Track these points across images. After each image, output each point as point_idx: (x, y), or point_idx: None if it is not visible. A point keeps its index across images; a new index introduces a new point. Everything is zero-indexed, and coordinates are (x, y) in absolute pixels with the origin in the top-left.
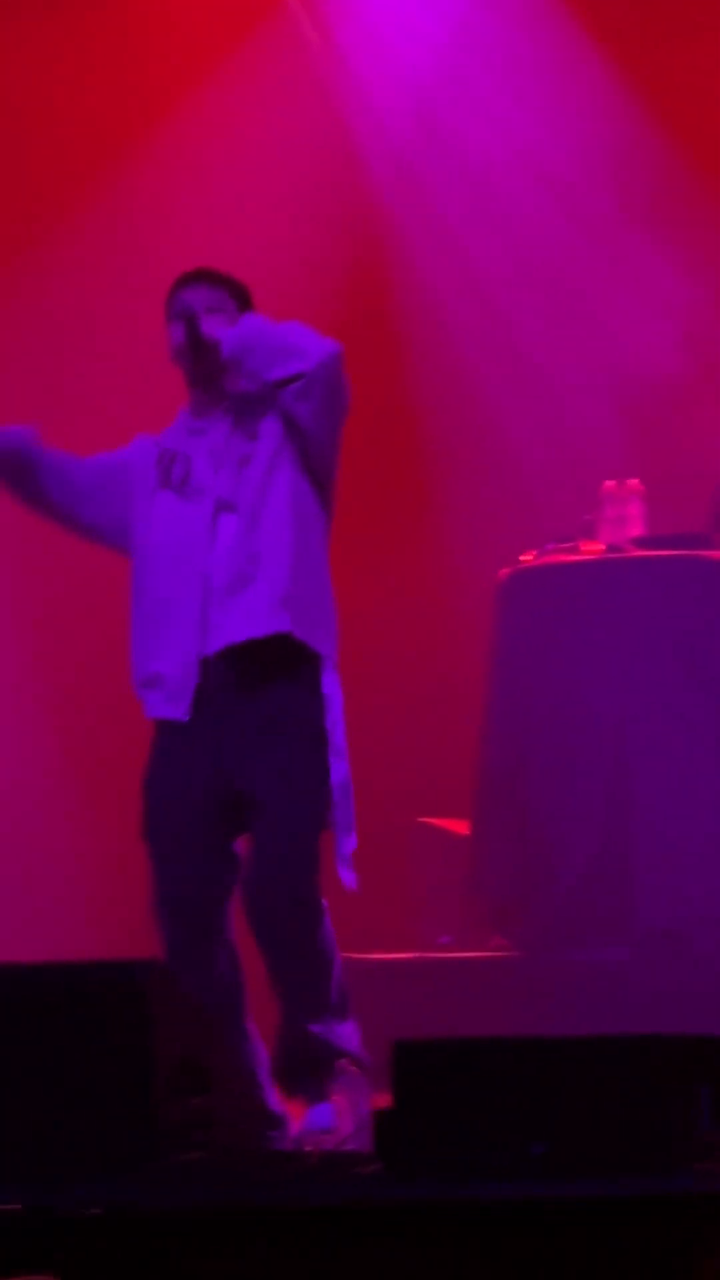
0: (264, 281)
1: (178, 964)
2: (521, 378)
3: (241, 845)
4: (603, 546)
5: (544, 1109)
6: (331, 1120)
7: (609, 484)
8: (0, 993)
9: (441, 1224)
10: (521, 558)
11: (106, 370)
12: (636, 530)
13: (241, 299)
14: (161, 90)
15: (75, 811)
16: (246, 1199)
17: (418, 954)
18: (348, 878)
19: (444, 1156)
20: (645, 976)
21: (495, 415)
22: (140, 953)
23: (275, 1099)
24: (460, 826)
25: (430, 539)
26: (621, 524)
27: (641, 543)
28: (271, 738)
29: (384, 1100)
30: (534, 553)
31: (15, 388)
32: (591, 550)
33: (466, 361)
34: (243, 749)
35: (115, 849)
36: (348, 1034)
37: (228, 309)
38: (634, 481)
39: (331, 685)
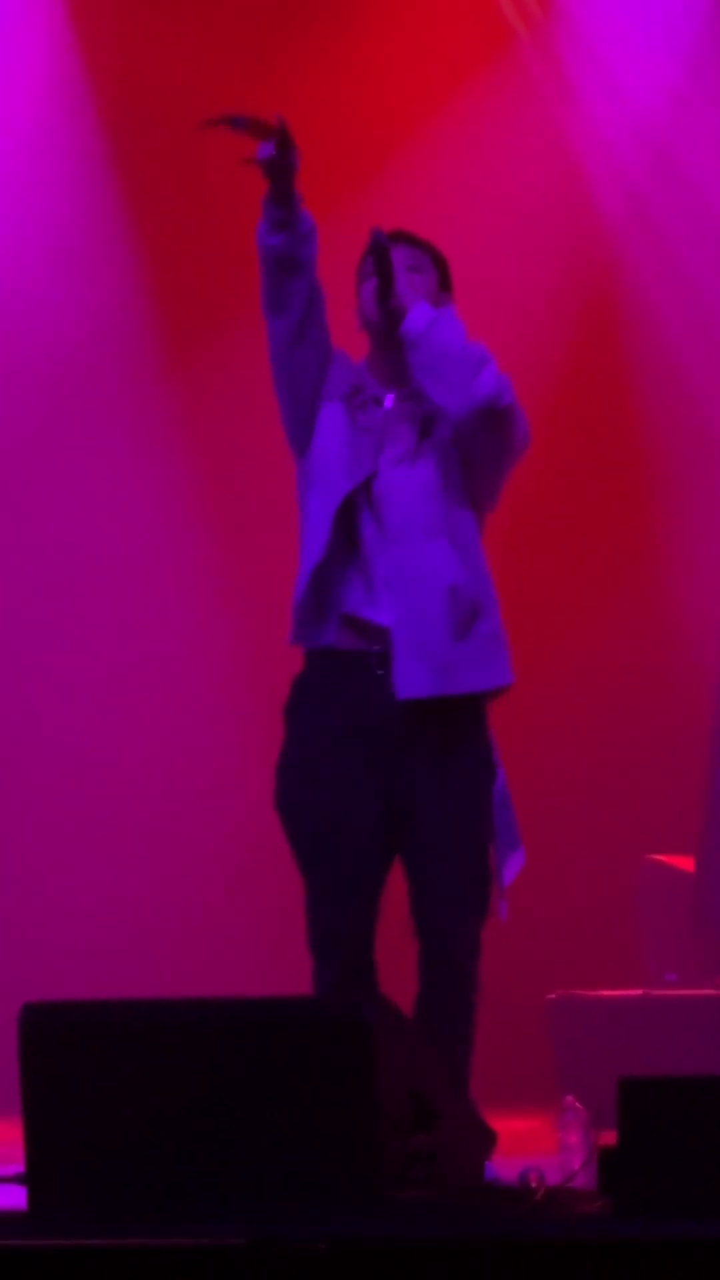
0: (492, 313)
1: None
2: None
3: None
4: None
5: None
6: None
7: None
8: (227, 1026)
9: (667, 1261)
10: None
11: None
12: None
13: (443, 268)
14: (392, 125)
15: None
16: (472, 1234)
17: (644, 991)
18: (502, 909)
19: (670, 1194)
20: None
21: None
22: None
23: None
24: (688, 863)
25: (656, 574)
26: None
27: None
28: (443, 752)
29: (610, 1138)
30: None
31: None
32: None
33: (695, 396)
34: (414, 762)
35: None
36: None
37: (428, 272)
38: None
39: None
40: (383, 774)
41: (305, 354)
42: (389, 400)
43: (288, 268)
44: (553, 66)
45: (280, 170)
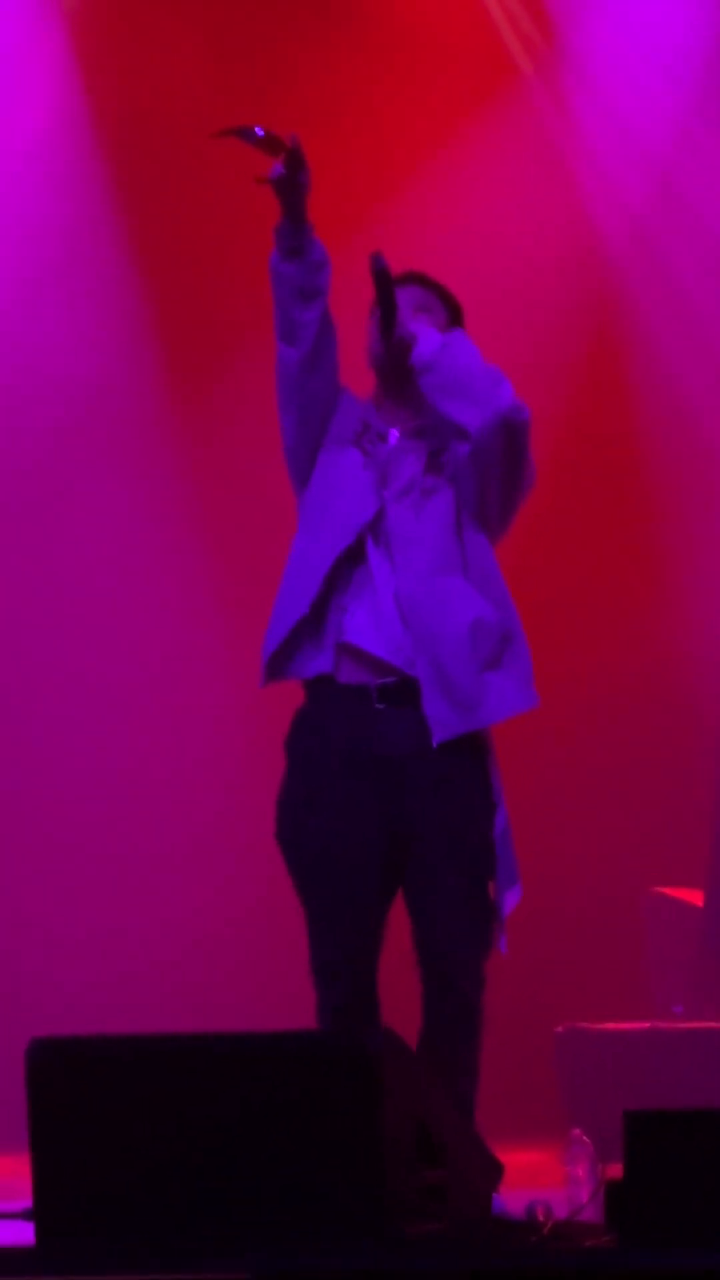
0: (496, 340)
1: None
2: None
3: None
4: None
5: None
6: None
7: None
8: (233, 1060)
9: None
10: None
11: None
12: None
13: (454, 309)
14: (395, 158)
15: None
16: (480, 1267)
17: (651, 1024)
18: (501, 942)
19: (677, 1227)
20: None
21: None
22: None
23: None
24: (695, 896)
25: (661, 599)
26: None
27: None
28: (443, 786)
29: (617, 1170)
30: None
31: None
32: None
33: (703, 430)
34: (414, 796)
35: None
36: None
37: (437, 313)
38: None
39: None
40: (383, 804)
41: (317, 385)
42: (394, 436)
43: (301, 297)
44: (556, 99)
45: (292, 189)
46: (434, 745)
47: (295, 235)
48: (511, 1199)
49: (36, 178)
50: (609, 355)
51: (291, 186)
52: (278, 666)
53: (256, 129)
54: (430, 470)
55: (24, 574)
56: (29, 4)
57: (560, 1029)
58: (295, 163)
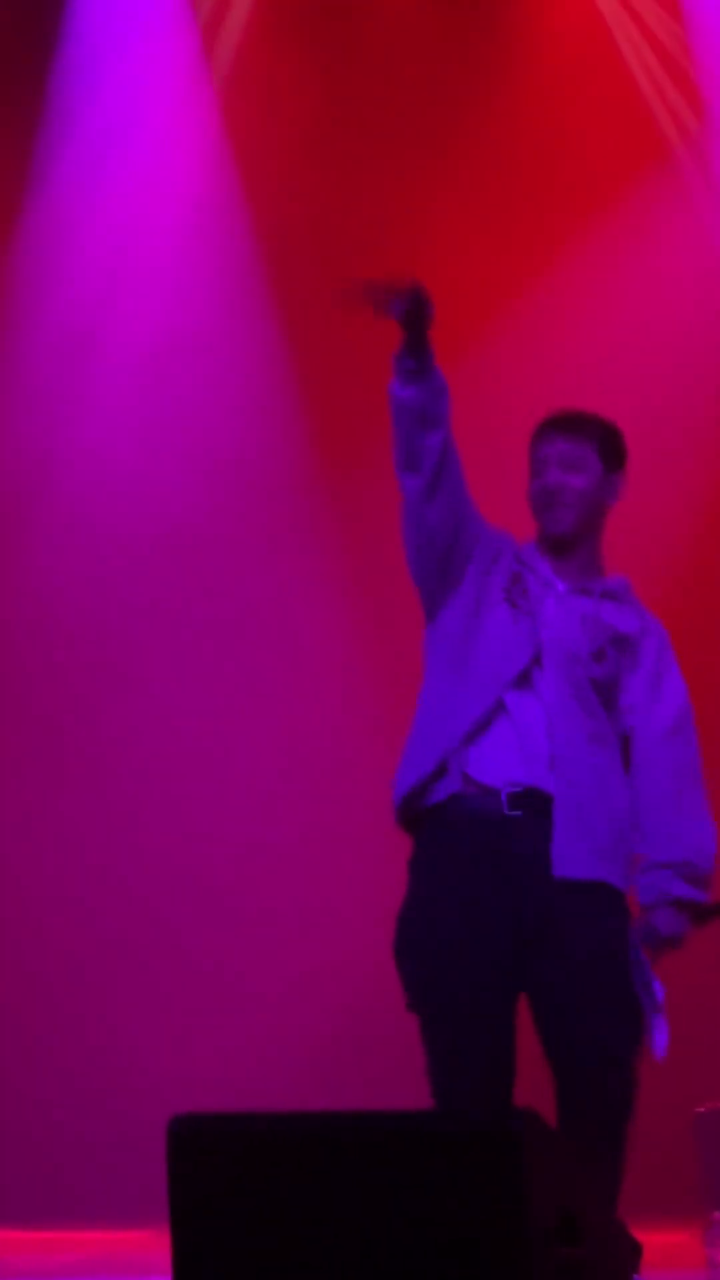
0: (642, 431)
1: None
2: None
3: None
4: None
5: None
6: None
7: None
8: (376, 1139)
9: None
10: None
11: None
12: None
13: (608, 444)
14: (546, 241)
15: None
16: None
17: None
18: (659, 1041)
19: None
20: None
21: None
22: None
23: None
24: None
25: None
26: None
27: None
28: (575, 888)
29: None
30: None
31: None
32: None
33: None
34: (545, 896)
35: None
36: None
37: (589, 469)
38: None
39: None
40: (512, 902)
41: (436, 515)
42: (561, 587)
43: (422, 423)
44: (705, 174)
45: (417, 323)
46: (554, 875)
47: (417, 361)
48: None
49: (185, 252)
50: None
51: (416, 320)
52: (411, 807)
53: (382, 294)
54: (592, 641)
55: (145, 657)
56: (180, 81)
57: (701, 1109)
58: (418, 303)
